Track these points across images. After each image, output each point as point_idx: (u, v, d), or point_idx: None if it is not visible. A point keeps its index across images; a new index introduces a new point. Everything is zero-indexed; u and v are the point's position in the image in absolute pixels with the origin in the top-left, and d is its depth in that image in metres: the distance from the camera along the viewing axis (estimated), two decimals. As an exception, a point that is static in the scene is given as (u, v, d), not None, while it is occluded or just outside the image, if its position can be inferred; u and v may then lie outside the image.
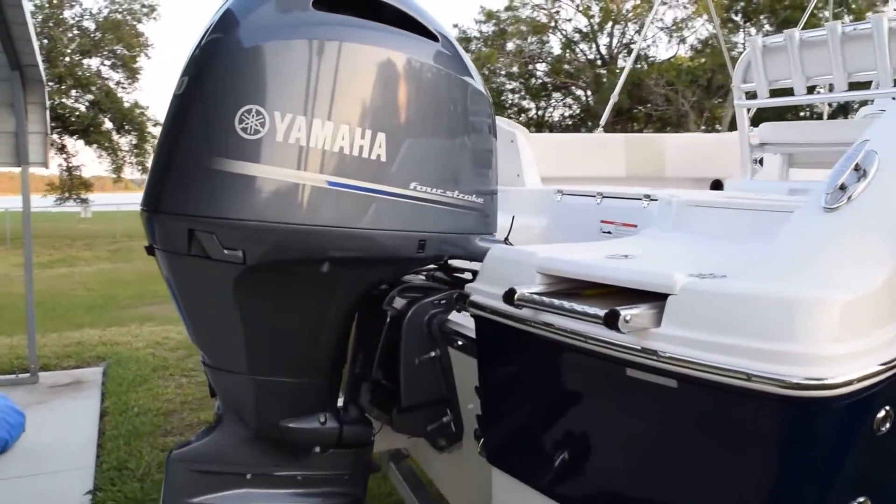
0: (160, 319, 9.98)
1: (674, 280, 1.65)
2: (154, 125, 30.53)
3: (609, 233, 3.08)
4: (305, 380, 2.43)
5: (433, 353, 2.56)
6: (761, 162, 4.99)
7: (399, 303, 2.57)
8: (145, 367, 7.40)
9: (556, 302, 1.79)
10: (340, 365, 2.55)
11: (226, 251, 2.11)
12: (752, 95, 4.52)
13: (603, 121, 5.33)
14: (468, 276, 2.78)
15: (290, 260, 2.18)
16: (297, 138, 2.12)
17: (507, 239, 2.75)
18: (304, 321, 2.35)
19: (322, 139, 2.14)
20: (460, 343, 2.53)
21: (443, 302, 2.59)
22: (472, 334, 2.46)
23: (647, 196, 2.88)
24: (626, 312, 1.61)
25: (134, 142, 30.88)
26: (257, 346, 2.33)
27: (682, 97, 29.92)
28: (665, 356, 1.62)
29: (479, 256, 2.57)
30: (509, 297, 1.90)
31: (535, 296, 1.87)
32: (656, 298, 1.71)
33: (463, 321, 2.58)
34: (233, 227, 2.09)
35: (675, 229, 2.59)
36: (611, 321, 1.61)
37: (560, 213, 3.37)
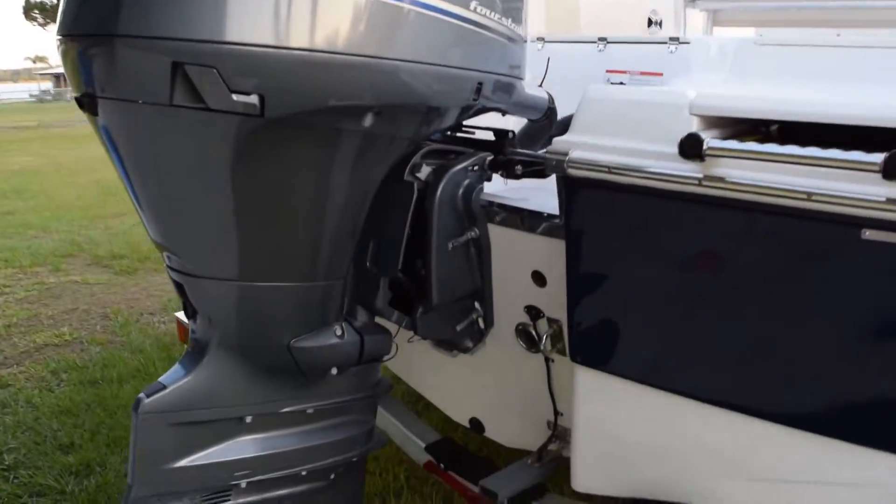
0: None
1: None
2: None
3: (622, 84, 2.61)
4: (319, 282, 1.77)
5: (471, 234, 2.00)
6: (660, 24, 4.74)
7: (424, 172, 1.95)
8: (-58, 286, 6.00)
9: (789, 150, 1.32)
10: (352, 259, 1.91)
11: (234, 96, 1.37)
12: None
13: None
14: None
15: (326, 110, 1.48)
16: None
17: (541, 86, 2.19)
18: (324, 201, 1.67)
19: None
20: (500, 218, 2.00)
21: (475, 168, 2.01)
22: (520, 204, 1.96)
23: (676, 39, 2.44)
24: None
25: None
26: (262, 240, 1.63)
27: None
28: None
29: (518, 109, 2.02)
30: (692, 146, 1.39)
31: (737, 143, 1.38)
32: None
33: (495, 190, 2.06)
34: (247, 57, 1.35)
35: (739, 73, 2.17)
36: None
37: (544, 65, 2.82)
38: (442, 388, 2.62)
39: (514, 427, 2.41)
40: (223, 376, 1.74)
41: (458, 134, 2.17)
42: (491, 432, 2.50)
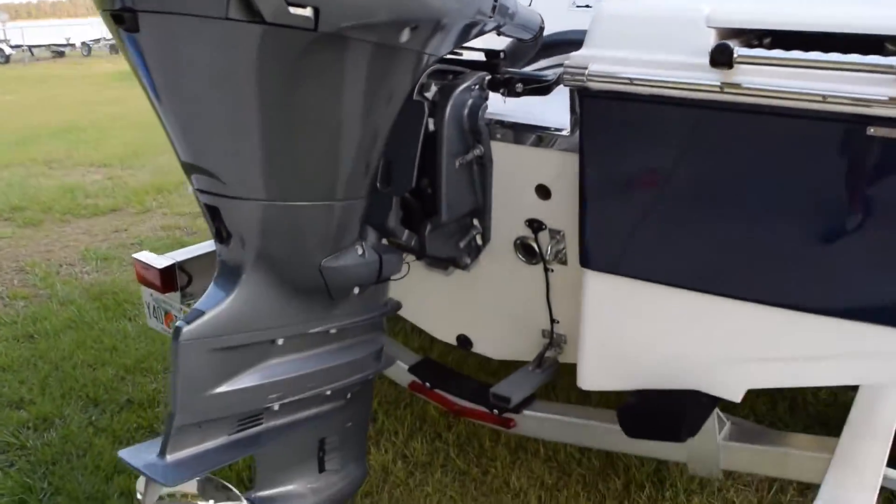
0: None
1: None
2: None
3: (588, 6, 2.69)
4: (348, 201, 1.79)
5: (476, 152, 2.06)
6: None
7: (431, 91, 1.98)
8: None
9: (812, 56, 1.45)
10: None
11: (291, 9, 1.35)
12: None
13: None
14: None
15: (374, 24, 1.48)
16: None
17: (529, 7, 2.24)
18: (357, 117, 1.67)
19: None
20: (504, 134, 2.07)
21: (476, 87, 2.06)
22: (522, 120, 2.04)
23: None
24: None
25: None
26: (301, 159, 1.63)
27: None
28: None
29: (515, 28, 2.07)
30: (723, 54, 1.50)
31: (764, 51, 1.50)
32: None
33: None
34: None
35: None
36: None
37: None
38: (426, 308, 2.68)
39: (504, 339, 2.51)
40: (258, 299, 1.73)
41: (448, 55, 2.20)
42: (479, 347, 2.60)
